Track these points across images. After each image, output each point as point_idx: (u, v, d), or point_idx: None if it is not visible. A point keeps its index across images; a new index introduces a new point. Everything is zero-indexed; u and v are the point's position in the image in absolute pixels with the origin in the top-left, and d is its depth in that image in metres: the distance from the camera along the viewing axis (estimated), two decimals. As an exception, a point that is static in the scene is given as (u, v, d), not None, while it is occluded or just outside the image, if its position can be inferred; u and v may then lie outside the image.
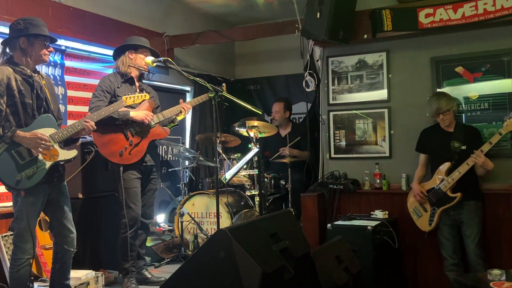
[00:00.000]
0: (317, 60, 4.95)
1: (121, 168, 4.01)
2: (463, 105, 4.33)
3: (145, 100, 3.91)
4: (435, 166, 4.06)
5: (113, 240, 4.25)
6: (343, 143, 4.84)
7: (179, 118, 4.40)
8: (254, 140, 5.03)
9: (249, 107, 4.51)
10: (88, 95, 4.72)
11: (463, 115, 4.33)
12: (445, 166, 3.97)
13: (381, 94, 4.67)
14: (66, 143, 3.48)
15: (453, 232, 4.01)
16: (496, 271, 2.83)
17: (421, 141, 4.25)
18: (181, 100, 4.42)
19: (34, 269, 3.77)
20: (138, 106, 4.10)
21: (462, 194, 3.89)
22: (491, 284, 2.74)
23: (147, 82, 4.47)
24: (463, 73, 4.34)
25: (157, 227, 5.61)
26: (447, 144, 4.00)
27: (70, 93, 4.86)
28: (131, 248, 4.06)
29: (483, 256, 3.90)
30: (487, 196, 4.08)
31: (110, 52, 4.46)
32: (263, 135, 5.32)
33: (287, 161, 5.25)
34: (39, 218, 3.65)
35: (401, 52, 4.60)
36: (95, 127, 3.47)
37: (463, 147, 3.94)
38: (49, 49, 3.39)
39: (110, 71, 4.40)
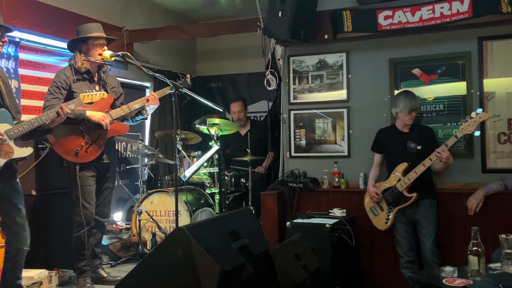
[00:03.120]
0: (279, 59, 4.97)
1: (77, 167, 3.92)
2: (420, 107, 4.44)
3: (103, 98, 3.80)
4: (391, 166, 4.16)
5: (67, 238, 4.15)
6: (303, 142, 4.89)
7: (148, 105, 4.21)
8: (215, 138, 5.02)
9: (210, 104, 4.49)
10: (44, 89, 4.59)
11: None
12: (402, 166, 4.06)
13: (341, 94, 4.74)
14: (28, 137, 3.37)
15: (409, 230, 4.11)
16: (449, 268, 2.92)
17: (377, 141, 4.33)
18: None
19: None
20: (96, 102, 3.99)
21: (417, 194, 3.99)
22: (443, 280, 2.82)
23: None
24: (420, 75, 4.46)
25: (114, 226, 5.51)
26: (403, 145, 4.09)
27: (24, 86, 4.71)
28: (86, 247, 3.98)
29: (438, 254, 4.02)
30: (441, 196, 4.20)
31: (64, 45, 4.34)
32: (224, 133, 5.32)
33: (248, 160, 5.26)
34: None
35: (360, 53, 4.69)
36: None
37: (419, 147, 4.05)
38: (3, 39, 3.27)
39: (66, 65, 4.28)
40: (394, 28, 4.34)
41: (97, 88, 4.08)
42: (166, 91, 4.24)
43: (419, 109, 4.15)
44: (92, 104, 3.83)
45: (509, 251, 2.78)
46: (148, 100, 4.15)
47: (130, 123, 4.32)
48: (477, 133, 3.96)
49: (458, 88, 4.34)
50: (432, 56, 4.41)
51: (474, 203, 3.97)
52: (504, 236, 2.80)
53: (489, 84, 4.25)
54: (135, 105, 4.13)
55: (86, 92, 3.62)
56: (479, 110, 3.86)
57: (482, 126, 4.19)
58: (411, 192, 4.02)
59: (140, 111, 4.23)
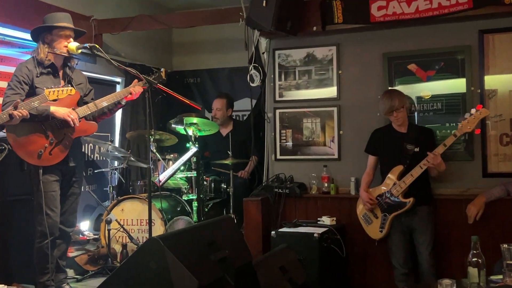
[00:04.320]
0: (263, 53, 4.99)
1: (41, 171, 3.88)
2: (416, 105, 4.49)
3: (69, 92, 3.76)
4: (386, 169, 4.19)
5: (28, 250, 4.11)
6: (290, 143, 4.91)
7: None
8: (193, 139, 5.00)
9: (188, 102, 4.48)
10: (3, 84, 4.53)
11: (416, 115, 4.49)
12: (397, 169, 4.10)
13: (331, 91, 4.77)
14: None
15: (405, 240, 4.14)
16: (447, 281, 2.94)
17: (371, 141, 4.37)
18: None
19: None
20: (60, 98, 3.95)
21: (414, 199, 4.03)
22: (441, 294, 2.84)
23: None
24: (416, 70, 4.51)
25: (80, 236, 5.47)
26: (399, 146, 4.13)
27: (-20, 81, 4.66)
28: (49, 259, 3.94)
29: (436, 265, 4.07)
30: (439, 202, 4.25)
31: (29, 36, 4.29)
32: (203, 133, 5.31)
33: (229, 163, 5.26)
34: None
35: (352, 47, 4.72)
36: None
37: (416, 149, 4.09)
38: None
39: (28, 57, 4.24)
40: (388, 19, 4.38)
41: (62, 83, 4.05)
42: (138, 87, 4.20)
43: (403, 108, 4.13)
44: (57, 101, 3.80)
45: (511, 262, 2.81)
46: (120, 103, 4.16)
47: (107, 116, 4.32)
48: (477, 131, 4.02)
49: (457, 85, 4.40)
50: (429, 50, 4.46)
51: (474, 211, 4.02)
52: (506, 245, 2.83)
53: (490, 81, 4.31)
54: (103, 102, 4.10)
55: (51, 87, 3.59)
56: (479, 107, 3.92)
57: (483, 127, 4.25)
58: (407, 197, 4.05)
59: (119, 101, 4.19)
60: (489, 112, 4.05)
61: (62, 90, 3.61)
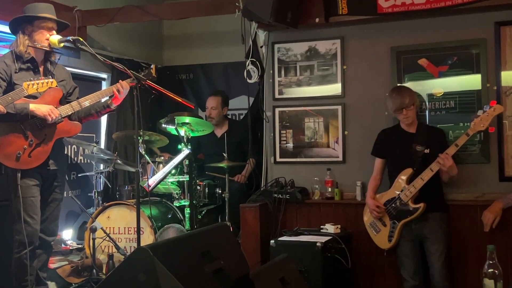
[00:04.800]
0: (261, 46, 4.99)
1: (19, 174, 3.86)
2: (427, 103, 4.50)
3: (51, 87, 3.76)
4: (394, 173, 4.20)
5: (5, 261, 4.10)
6: (290, 145, 4.91)
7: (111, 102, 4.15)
8: (185, 140, 5.00)
9: (180, 99, 4.48)
10: (-23, 80, 4.52)
11: (427, 114, 4.50)
12: (406, 173, 4.10)
13: (335, 88, 4.78)
14: None
15: (415, 249, 4.15)
16: (461, 294, 2.95)
17: (378, 143, 4.37)
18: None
19: None
20: (41, 95, 3.95)
21: (425, 205, 4.03)
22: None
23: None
24: (427, 66, 4.51)
25: (63, 245, 5.47)
26: (408, 147, 4.13)
27: (-46, 77, 4.64)
28: (29, 270, 3.93)
29: (449, 277, 4.08)
30: (452, 208, 4.26)
31: (6, 28, 4.29)
32: (196, 134, 5.31)
33: (225, 166, 5.26)
34: None
35: (357, 40, 4.73)
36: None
37: (426, 151, 4.09)
38: None
39: (6, 51, 4.23)
40: (397, 11, 4.39)
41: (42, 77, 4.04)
42: (125, 84, 4.18)
43: (413, 106, 4.15)
44: (37, 98, 3.80)
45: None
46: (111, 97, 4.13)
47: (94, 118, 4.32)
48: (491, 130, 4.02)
49: (471, 81, 4.41)
50: (441, 44, 4.48)
51: (491, 218, 4.02)
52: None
53: (507, 77, 4.32)
54: (85, 102, 4.09)
55: (30, 80, 3.58)
56: (493, 103, 3.93)
57: (499, 126, 4.26)
58: (418, 203, 4.05)
59: (107, 104, 4.18)
60: (503, 108, 4.05)
61: (42, 83, 3.60)
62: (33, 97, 3.90)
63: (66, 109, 4.03)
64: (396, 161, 4.23)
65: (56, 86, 3.91)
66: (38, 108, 3.86)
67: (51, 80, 3.69)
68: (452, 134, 4.40)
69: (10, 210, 3.96)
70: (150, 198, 5.11)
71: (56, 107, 3.98)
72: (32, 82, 3.58)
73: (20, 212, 3.88)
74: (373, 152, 4.41)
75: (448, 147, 4.00)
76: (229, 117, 6.31)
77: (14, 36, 4.13)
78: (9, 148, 3.84)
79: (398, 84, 4.49)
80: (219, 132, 5.92)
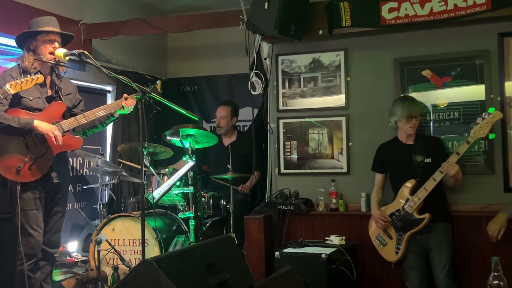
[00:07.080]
0: (265, 59, 5.01)
1: (19, 187, 3.87)
2: (431, 114, 4.50)
3: (35, 81, 3.70)
4: (397, 186, 4.20)
5: (9, 273, 4.10)
6: (295, 156, 4.91)
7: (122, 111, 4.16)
8: (190, 152, 5.01)
9: (184, 112, 4.49)
10: (-16, 94, 4.55)
11: (431, 125, 4.50)
12: (410, 184, 4.10)
13: (338, 99, 4.79)
14: None
15: (420, 261, 4.14)
16: (466, 305, 2.94)
17: (377, 158, 4.38)
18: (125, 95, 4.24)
19: None
20: (44, 109, 3.97)
21: (430, 215, 4.03)
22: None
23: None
24: (431, 77, 4.52)
25: (68, 258, 5.47)
26: (408, 159, 4.14)
27: (-40, 91, 4.67)
28: (32, 283, 3.93)
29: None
30: (456, 219, 4.25)
31: (13, 42, 4.32)
32: (200, 145, 5.32)
33: (229, 177, 5.26)
34: None
35: (361, 52, 4.74)
36: None
37: (427, 160, 4.09)
38: None
39: (12, 65, 4.25)
40: (400, 22, 4.40)
41: (49, 93, 4.06)
42: (130, 100, 4.18)
43: (421, 116, 4.19)
44: (41, 112, 3.81)
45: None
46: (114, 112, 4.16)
47: (99, 129, 4.33)
48: (492, 136, 4.02)
49: (475, 92, 4.41)
50: (445, 55, 4.49)
51: (496, 229, 4.00)
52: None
53: (511, 87, 4.32)
54: (96, 116, 4.11)
55: (14, 80, 3.60)
56: (491, 110, 3.93)
57: (503, 137, 4.26)
58: (423, 213, 4.05)
59: (112, 113, 4.20)
60: (502, 115, 4.04)
61: (27, 80, 3.61)
62: (37, 109, 3.92)
63: (70, 123, 4.03)
64: (398, 173, 4.24)
65: (43, 81, 3.92)
66: (41, 125, 3.85)
67: (36, 76, 3.69)
68: (457, 144, 4.39)
69: (14, 223, 3.98)
70: (155, 210, 5.12)
71: (58, 121, 3.99)
72: (16, 81, 3.59)
73: (22, 224, 3.88)
74: (372, 168, 4.42)
75: (447, 154, 4.03)
76: (239, 129, 6.30)
77: (19, 50, 4.17)
78: (9, 161, 3.84)
79: (403, 95, 4.50)
80: (226, 142, 5.93)
